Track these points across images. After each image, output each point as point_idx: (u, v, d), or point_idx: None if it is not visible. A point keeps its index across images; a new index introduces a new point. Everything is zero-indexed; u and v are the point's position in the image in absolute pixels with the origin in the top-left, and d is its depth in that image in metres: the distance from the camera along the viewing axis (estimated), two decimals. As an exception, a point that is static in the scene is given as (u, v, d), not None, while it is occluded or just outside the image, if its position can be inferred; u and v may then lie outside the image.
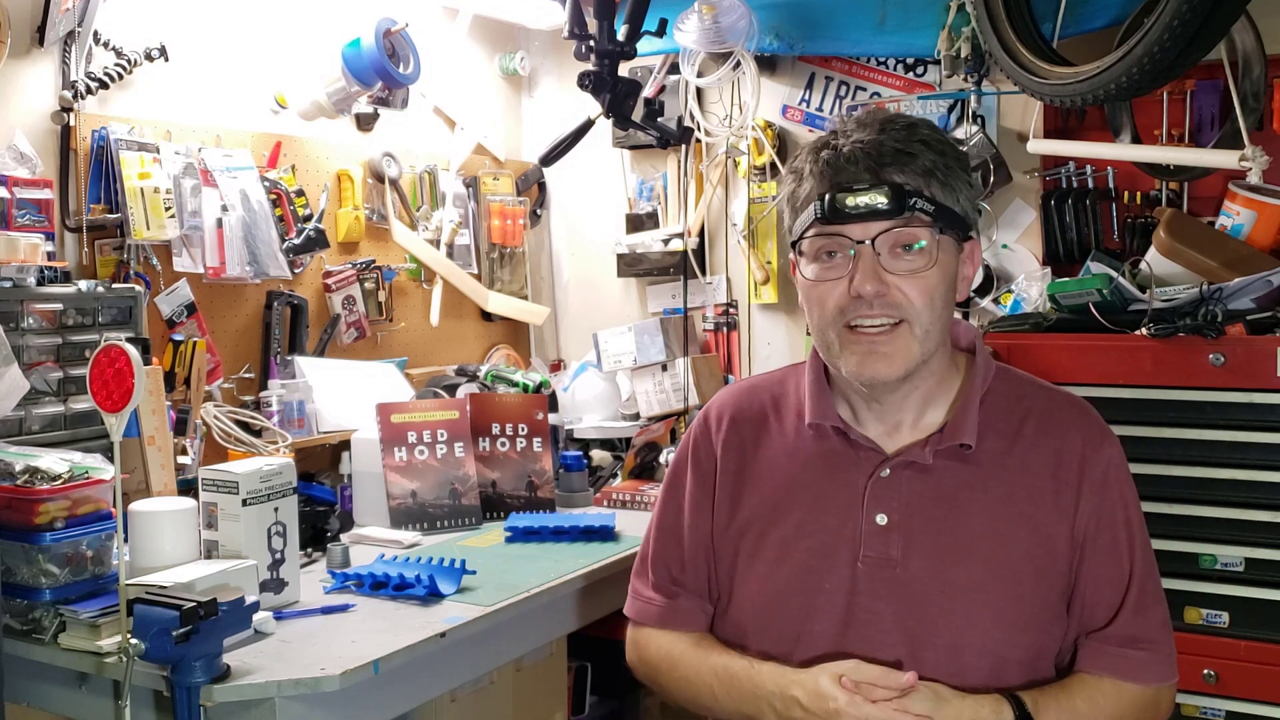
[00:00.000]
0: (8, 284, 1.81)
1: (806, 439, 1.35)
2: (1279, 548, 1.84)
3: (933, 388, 1.31)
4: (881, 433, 1.31)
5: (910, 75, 2.73)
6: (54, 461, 1.59)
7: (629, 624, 1.49)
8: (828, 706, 1.20)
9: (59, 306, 1.88)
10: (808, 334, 2.94)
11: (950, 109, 2.65)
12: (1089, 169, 2.47)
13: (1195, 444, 1.89)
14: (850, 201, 1.20)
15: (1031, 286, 2.34)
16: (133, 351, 1.42)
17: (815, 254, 1.26)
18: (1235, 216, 2.17)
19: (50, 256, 1.92)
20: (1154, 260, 2.12)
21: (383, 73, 2.45)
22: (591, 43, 2.36)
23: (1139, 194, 2.42)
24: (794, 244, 1.30)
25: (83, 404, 1.88)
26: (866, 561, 1.27)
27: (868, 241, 1.21)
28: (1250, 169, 1.94)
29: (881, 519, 1.27)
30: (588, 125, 2.53)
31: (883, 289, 1.21)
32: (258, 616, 1.56)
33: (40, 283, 1.87)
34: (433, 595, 1.76)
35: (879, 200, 1.20)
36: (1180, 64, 1.73)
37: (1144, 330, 1.92)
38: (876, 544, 1.27)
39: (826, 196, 1.22)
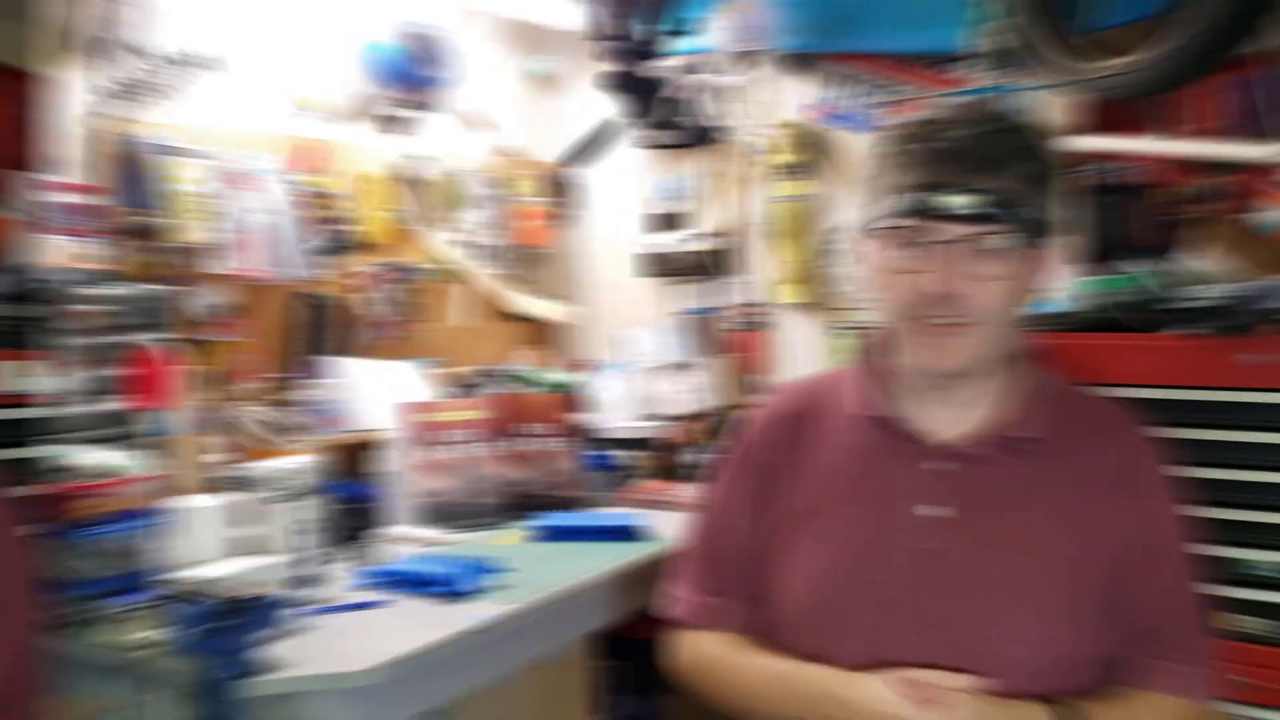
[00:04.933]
0: (48, 286, 1.84)
1: (854, 432, 1.34)
2: (1315, 550, 1.81)
3: (988, 387, 1.30)
4: (929, 426, 1.31)
5: (938, 71, 2.70)
6: (87, 459, 1.62)
7: (667, 626, 1.45)
8: (880, 710, 1.17)
9: (96, 308, 1.91)
10: (834, 334, 2.94)
11: (979, 107, 2.62)
12: (1124, 165, 2.44)
13: (1227, 446, 1.86)
14: (934, 201, 1.18)
15: (1059, 285, 2.31)
16: (167, 352, 1.44)
17: (893, 244, 1.23)
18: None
19: (88, 260, 1.95)
20: (1186, 258, 2.09)
21: (410, 75, 2.47)
22: (617, 43, 2.37)
23: (1174, 190, 2.39)
24: (872, 228, 1.26)
25: (117, 404, 1.91)
26: (911, 553, 1.26)
27: (948, 243, 1.19)
28: (1286, 164, 1.92)
29: (927, 510, 1.26)
30: (611, 127, 2.54)
31: (956, 291, 1.20)
32: (287, 612, 1.58)
33: (78, 285, 1.90)
34: (460, 593, 1.77)
35: (965, 204, 1.17)
36: (1227, 53, 1.67)
37: (1174, 329, 1.89)
38: (921, 535, 1.26)
39: (911, 192, 1.19)
